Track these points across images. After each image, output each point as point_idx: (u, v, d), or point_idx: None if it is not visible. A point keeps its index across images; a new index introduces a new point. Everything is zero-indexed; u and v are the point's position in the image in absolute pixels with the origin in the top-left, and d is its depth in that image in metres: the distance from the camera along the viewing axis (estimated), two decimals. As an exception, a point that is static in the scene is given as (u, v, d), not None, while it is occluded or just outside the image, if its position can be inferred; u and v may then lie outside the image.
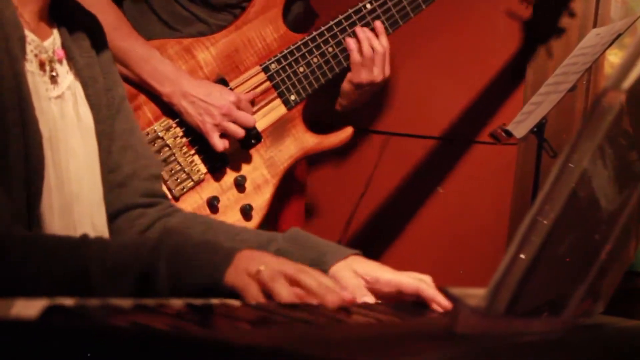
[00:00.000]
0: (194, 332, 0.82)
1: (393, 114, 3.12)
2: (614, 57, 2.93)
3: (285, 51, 2.17)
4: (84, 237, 1.18)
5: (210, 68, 2.14)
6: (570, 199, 0.85)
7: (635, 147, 0.94)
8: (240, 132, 2.06)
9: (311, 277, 1.13)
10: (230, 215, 2.10)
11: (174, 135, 2.07)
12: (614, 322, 1.19)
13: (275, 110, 2.17)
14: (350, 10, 2.21)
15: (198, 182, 2.09)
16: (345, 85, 2.25)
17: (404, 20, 2.24)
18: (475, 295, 0.85)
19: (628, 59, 0.86)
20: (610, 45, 2.41)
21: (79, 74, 1.39)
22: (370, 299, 1.29)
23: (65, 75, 1.37)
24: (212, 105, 2.03)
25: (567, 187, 0.85)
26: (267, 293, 1.12)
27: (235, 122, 2.05)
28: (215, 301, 1.04)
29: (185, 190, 2.07)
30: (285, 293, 1.10)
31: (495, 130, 2.62)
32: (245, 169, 2.14)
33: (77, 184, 1.35)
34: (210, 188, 2.11)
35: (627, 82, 0.85)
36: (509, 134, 2.53)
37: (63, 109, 1.35)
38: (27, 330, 0.78)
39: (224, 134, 2.06)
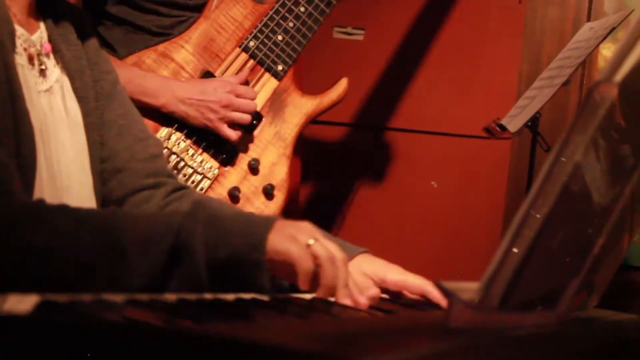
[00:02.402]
0: (188, 327, 0.82)
1: (385, 108, 3.12)
2: (608, 51, 2.93)
3: (260, 25, 2.15)
4: (114, 209, 1.16)
5: (192, 65, 2.12)
6: (563, 192, 0.85)
7: (627, 140, 0.94)
8: (246, 118, 2.06)
9: (347, 274, 1.13)
10: (254, 200, 2.10)
11: (177, 141, 2.06)
12: (608, 316, 1.20)
13: (267, 85, 2.17)
14: None
15: (214, 179, 2.08)
16: None
17: None
18: (469, 289, 0.85)
19: (620, 52, 0.86)
20: (604, 39, 2.42)
21: (66, 67, 1.39)
22: (376, 291, 1.29)
23: (53, 68, 1.38)
24: (211, 101, 2.03)
25: (560, 181, 0.85)
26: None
27: (237, 110, 2.05)
28: (208, 296, 1.04)
29: (204, 190, 2.07)
30: (338, 281, 1.10)
31: (490, 124, 2.62)
32: (256, 151, 2.13)
33: (67, 178, 1.35)
34: (228, 180, 2.10)
35: (620, 75, 0.85)
36: (503, 128, 2.53)
37: (52, 103, 1.36)
38: (20, 325, 0.78)
39: (232, 124, 2.06)
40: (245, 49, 2.15)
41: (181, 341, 0.75)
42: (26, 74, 1.30)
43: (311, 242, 1.10)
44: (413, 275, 1.34)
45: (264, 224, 1.11)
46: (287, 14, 2.16)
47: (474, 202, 3.07)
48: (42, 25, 1.37)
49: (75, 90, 1.40)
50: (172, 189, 1.50)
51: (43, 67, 1.35)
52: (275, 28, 2.15)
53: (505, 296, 0.85)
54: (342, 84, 2.24)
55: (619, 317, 1.23)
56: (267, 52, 2.15)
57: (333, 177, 3.17)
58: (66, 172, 1.35)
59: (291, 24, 2.16)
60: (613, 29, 2.40)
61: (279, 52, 2.16)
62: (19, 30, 1.31)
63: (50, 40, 1.38)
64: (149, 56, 2.10)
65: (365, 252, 1.39)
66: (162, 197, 1.48)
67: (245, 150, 2.12)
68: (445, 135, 3.10)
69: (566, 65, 2.47)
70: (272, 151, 2.14)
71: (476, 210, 3.07)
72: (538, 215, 0.84)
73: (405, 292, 1.36)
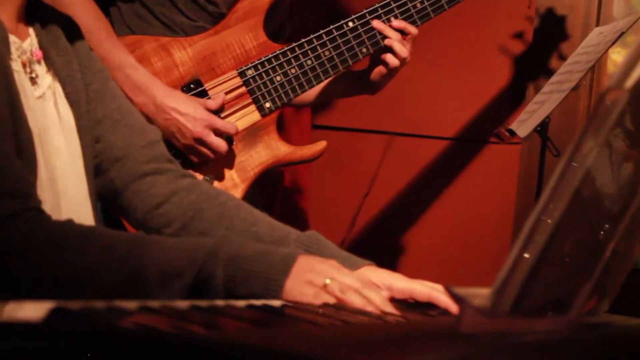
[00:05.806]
0: (198, 333, 0.82)
1: (396, 114, 3.12)
2: (617, 56, 2.92)
3: (264, 59, 2.16)
4: (140, 235, 1.19)
5: (185, 67, 2.13)
6: (574, 197, 0.85)
7: (638, 145, 0.94)
8: (210, 155, 2.05)
9: (376, 293, 1.18)
10: None
11: None
12: (620, 321, 1.19)
13: (249, 115, 2.16)
14: (332, 26, 2.19)
15: None
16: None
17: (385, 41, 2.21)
18: (480, 294, 0.85)
19: (631, 57, 0.86)
20: (613, 43, 2.41)
21: (57, 73, 1.40)
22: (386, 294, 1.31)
23: (45, 75, 1.39)
24: (185, 127, 2.02)
25: (571, 186, 0.85)
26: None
27: (208, 145, 2.04)
28: (220, 302, 1.04)
29: None
30: (360, 303, 1.14)
31: (499, 129, 2.62)
32: (214, 172, 2.11)
33: (63, 182, 1.37)
34: None
35: (630, 81, 0.85)
36: (512, 133, 2.53)
37: (45, 109, 1.37)
38: (33, 332, 0.78)
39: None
40: (242, 74, 2.15)
41: (193, 348, 0.75)
42: (22, 80, 1.32)
43: (327, 281, 1.15)
44: (419, 282, 1.35)
45: (283, 269, 1.16)
46: (293, 60, 2.16)
47: (484, 208, 3.07)
48: (31, 31, 1.38)
49: (67, 95, 1.41)
50: (176, 176, 1.51)
51: (34, 75, 1.36)
52: (277, 68, 2.16)
53: (517, 301, 0.85)
54: (320, 145, 2.24)
55: (631, 322, 1.23)
56: (261, 86, 2.15)
57: (342, 182, 3.17)
58: (62, 176, 1.37)
59: (293, 71, 2.16)
60: (622, 33, 2.40)
61: (272, 90, 2.16)
62: (11, 37, 1.32)
63: (40, 47, 1.38)
64: (149, 43, 2.10)
65: (369, 264, 1.41)
66: (166, 182, 1.49)
67: (204, 167, 2.10)
68: (455, 141, 3.10)
69: (575, 70, 2.47)
70: (230, 178, 2.13)
71: (486, 215, 3.07)
72: (549, 221, 0.84)
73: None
